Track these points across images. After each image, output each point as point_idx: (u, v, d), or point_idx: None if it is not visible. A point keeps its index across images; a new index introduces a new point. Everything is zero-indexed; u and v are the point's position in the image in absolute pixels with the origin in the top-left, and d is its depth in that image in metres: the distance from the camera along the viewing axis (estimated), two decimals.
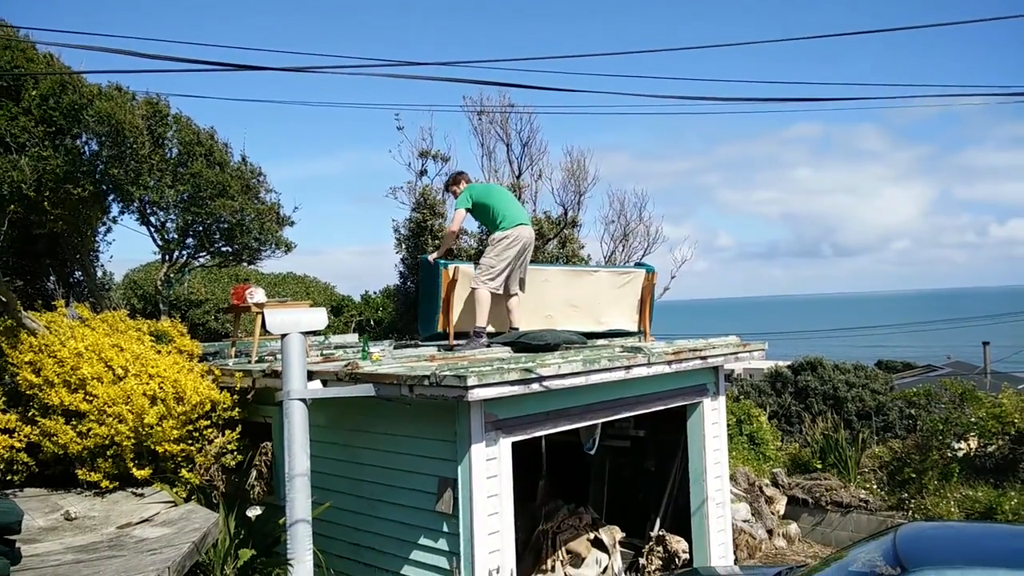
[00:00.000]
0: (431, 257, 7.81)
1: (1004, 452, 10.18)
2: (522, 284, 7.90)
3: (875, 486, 10.53)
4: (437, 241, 12.61)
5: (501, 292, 7.68)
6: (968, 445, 10.69)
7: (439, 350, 7.54)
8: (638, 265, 9.77)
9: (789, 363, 18.44)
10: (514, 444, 5.98)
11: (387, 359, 6.96)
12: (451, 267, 7.63)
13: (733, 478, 10.04)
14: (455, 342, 7.59)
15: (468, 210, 7.78)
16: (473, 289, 7.59)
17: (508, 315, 7.91)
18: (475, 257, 12.61)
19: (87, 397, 5.94)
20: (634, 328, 8.87)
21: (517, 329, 7.77)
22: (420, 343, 8.72)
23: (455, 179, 8.28)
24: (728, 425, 9.50)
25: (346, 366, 6.16)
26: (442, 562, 5.77)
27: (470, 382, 5.19)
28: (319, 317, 5.86)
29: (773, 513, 10.24)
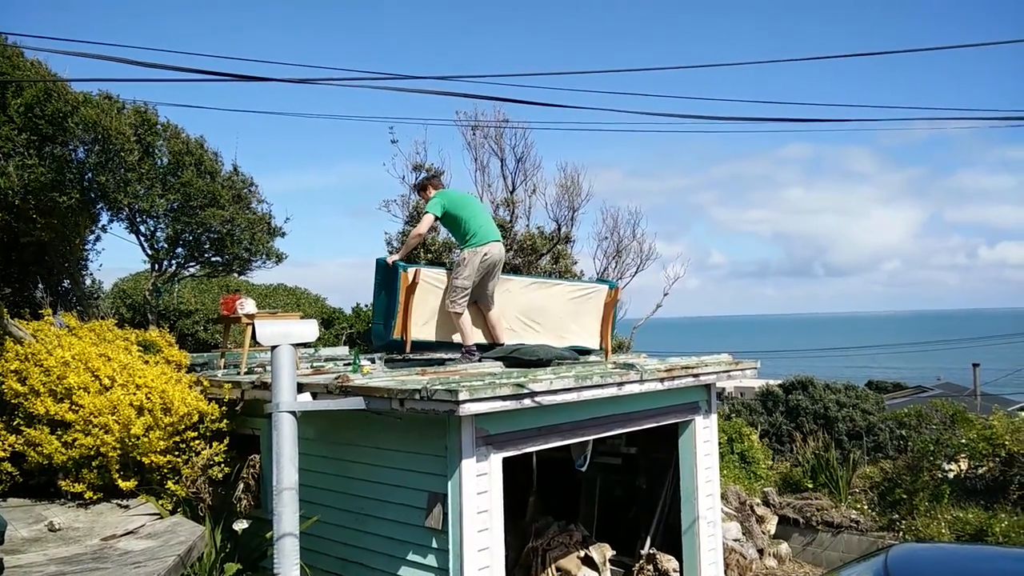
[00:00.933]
0: (390, 259, 7.41)
1: (995, 474, 10.18)
2: (491, 299, 7.70)
3: (866, 506, 10.51)
4: (430, 255, 12.59)
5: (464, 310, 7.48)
6: (959, 467, 10.69)
7: (431, 364, 7.48)
8: (600, 281, 9.49)
9: (780, 382, 18.46)
10: (505, 460, 5.93)
11: (378, 372, 6.90)
12: (411, 270, 7.27)
13: (724, 497, 10.00)
14: (431, 356, 7.46)
15: (438, 217, 7.60)
16: (452, 314, 7.42)
17: (491, 331, 7.77)
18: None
19: (73, 407, 5.88)
20: (595, 345, 8.56)
21: (503, 345, 7.64)
22: (376, 352, 8.31)
23: (424, 184, 8.13)
24: (719, 443, 9.47)
25: (336, 379, 6.11)
26: None
27: (461, 396, 5.14)
28: (310, 329, 5.80)
29: (764, 532, 10.19)
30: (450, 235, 12.96)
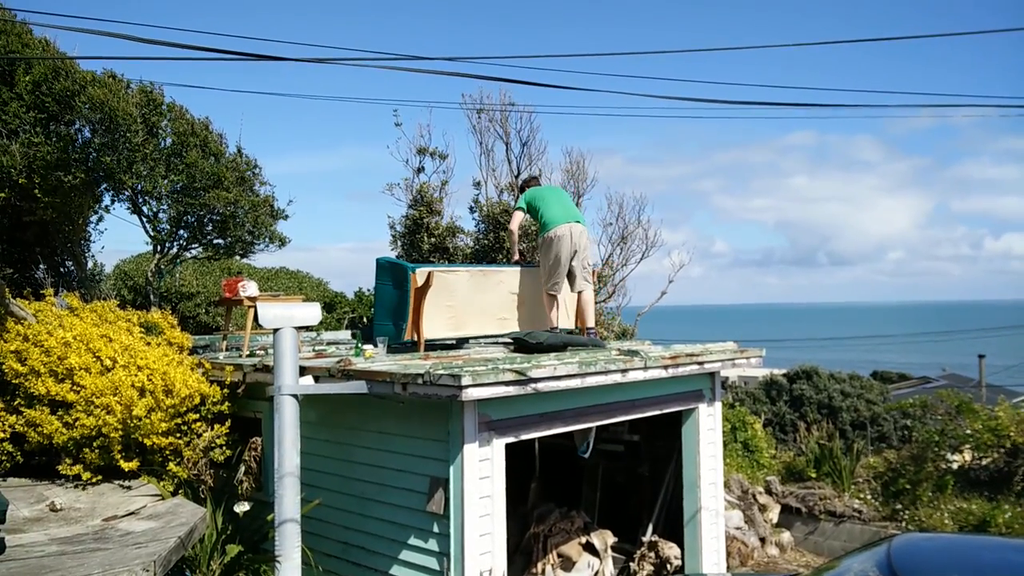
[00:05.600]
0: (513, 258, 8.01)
1: (999, 465, 10.13)
2: (572, 281, 8.04)
3: (869, 496, 10.49)
4: (433, 239, 12.53)
5: (559, 292, 7.96)
6: (963, 457, 10.65)
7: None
8: None
9: (784, 371, 18.44)
10: (507, 446, 5.90)
11: (380, 356, 6.87)
12: (422, 271, 7.18)
13: (726, 485, 9.97)
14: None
15: (522, 209, 8.43)
16: (546, 296, 7.99)
17: (581, 314, 8.18)
18: (471, 257, 12.54)
19: (74, 387, 5.85)
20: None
21: (592, 328, 8.03)
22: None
23: (526, 183, 9.06)
24: (723, 432, 9.44)
25: (339, 362, 6.08)
26: (432, 563, 5.69)
27: (464, 381, 5.11)
28: (313, 312, 5.77)
29: (766, 521, 10.18)
30: (455, 219, 12.97)
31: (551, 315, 7.98)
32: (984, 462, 10.35)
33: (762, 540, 9.84)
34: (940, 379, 26.13)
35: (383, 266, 7.54)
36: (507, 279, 8.14)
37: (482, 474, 5.65)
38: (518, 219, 8.51)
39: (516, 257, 8.70)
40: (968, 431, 10.39)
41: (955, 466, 10.46)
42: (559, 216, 7.97)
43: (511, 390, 5.47)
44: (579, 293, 8.14)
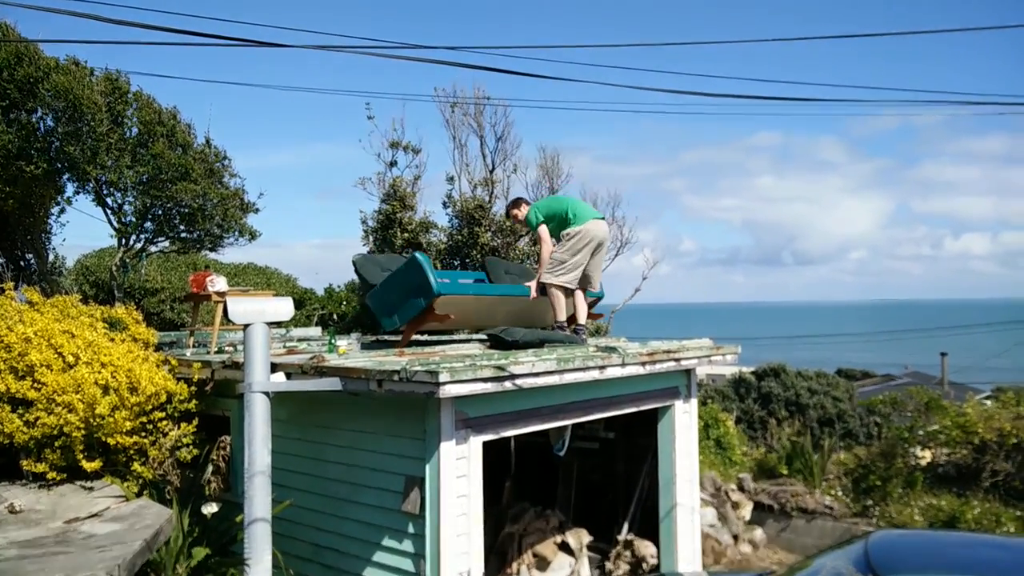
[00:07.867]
0: (535, 284, 7.56)
1: (967, 461, 10.25)
2: (587, 281, 7.78)
3: (840, 493, 10.56)
4: (407, 234, 12.38)
5: (573, 287, 7.63)
6: (931, 453, 10.77)
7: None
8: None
9: (752, 369, 18.54)
10: (484, 444, 5.79)
11: (354, 353, 6.73)
12: (442, 301, 6.81)
13: (700, 483, 9.98)
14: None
15: (544, 222, 7.76)
16: (557, 287, 7.53)
17: (574, 309, 7.87)
18: (444, 253, 12.41)
19: (35, 385, 5.64)
20: None
21: (582, 325, 7.75)
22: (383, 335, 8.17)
23: (512, 205, 8.29)
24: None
25: (312, 359, 5.93)
26: (407, 564, 5.57)
27: (442, 378, 4.99)
28: (285, 307, 5.60)
29: (739, 518, 10.20)
30: (429, 214, 12.83)
31: (557, 312, 7.60)
32: (953, 458, 10.47)
33: (735, 537, 9.85)
34: (903, 376, 26.51)
35: (417, 265, 6.97)
36: (513, 302, 7.81)
37: (459, 473, 5.54)
38: (547, 232, 7.80)
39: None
40: (937, 427, 10.50)
41: (923, 462, 10.57)
42: (587, 213, 7.72)
43: (489, 387, 5.37)
44: (574, 291, 7.79)
